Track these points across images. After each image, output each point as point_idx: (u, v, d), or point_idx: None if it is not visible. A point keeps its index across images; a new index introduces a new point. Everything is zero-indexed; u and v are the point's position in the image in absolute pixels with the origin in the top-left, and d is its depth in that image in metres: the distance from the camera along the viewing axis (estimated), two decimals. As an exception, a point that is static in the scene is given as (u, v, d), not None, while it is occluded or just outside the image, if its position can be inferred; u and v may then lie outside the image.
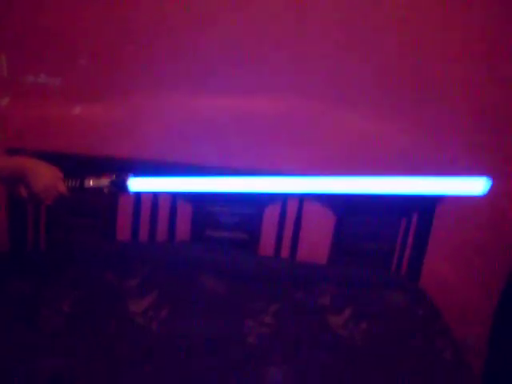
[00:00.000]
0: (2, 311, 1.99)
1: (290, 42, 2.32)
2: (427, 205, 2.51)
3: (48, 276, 2.20)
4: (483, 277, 2.65)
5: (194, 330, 2.00)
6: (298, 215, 2.54)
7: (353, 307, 2.23)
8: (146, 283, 2.21)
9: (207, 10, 2.24)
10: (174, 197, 2.48)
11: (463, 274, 2.68)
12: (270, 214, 2.55)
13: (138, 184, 1.77)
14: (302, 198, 2.51)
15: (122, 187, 1.75)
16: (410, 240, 2.58)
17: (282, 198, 2.51)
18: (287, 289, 2.31)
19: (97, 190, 1.74)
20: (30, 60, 2.27)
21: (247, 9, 2.25)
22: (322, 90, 2.35)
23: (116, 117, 2.36)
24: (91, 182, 1.73)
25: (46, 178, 1.64)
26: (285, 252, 2.61)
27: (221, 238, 2.53)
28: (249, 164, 2.41)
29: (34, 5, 2.19)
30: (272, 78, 2.34)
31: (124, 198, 2.46)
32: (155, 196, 2.46)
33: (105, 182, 1.74)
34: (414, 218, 2.56)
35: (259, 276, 2.37)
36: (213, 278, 2.30)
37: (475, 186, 1.66)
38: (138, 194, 2.44)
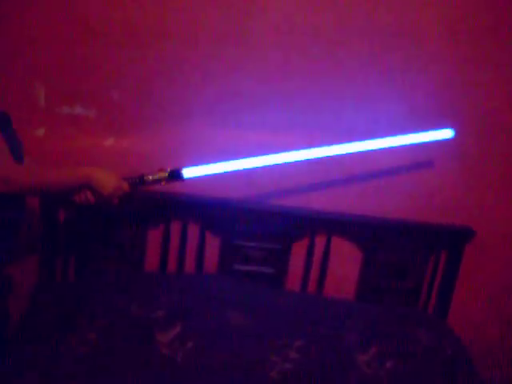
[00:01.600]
0: (28, 337, 2.03)
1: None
2: (456, 242, 2.50)
3: (76, 306, 2.22)
4: None
5: (217, 363, 2.01)
6: (325, 251, 2.55)
7: (379, 345, 2.20)
8: (173, 314, 2.22)
9: (240, 44, 2.31)
10: (203, 229, 2.51)
11: (492, 313, 2.63)
12: (298, 249, 2.56)
13: (190, 172, 2.02)
14: (330, 234, 2.52)
15: (178, 176, 1.99)
16: (438, 277, 2.57)
17: (310, 233, 2.53)
18: (313, 324, 2.29)
19: (155, 183, 1.97)
20: (65, 92, 2.35)
21: (281, 44, 2.31)
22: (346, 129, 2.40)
23: (147, 149, 2.41)
24: (150, 177, 1.96)
25: (112, 180, 1.85)
26: (312, 287, 2.61)
27: (248, 271, 2.54)
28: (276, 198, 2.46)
29: (70, 39, 2.27)
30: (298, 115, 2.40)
31: (153, 230, 2.50)
32: (184, 228, 2.50)
33: (162, 174, 1.97)
34: (443, 255, 2.55)
35: (285, 311, 2.36)
36: (239, 311, 2.30)
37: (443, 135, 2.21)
38: (168, 225, 2.48)
